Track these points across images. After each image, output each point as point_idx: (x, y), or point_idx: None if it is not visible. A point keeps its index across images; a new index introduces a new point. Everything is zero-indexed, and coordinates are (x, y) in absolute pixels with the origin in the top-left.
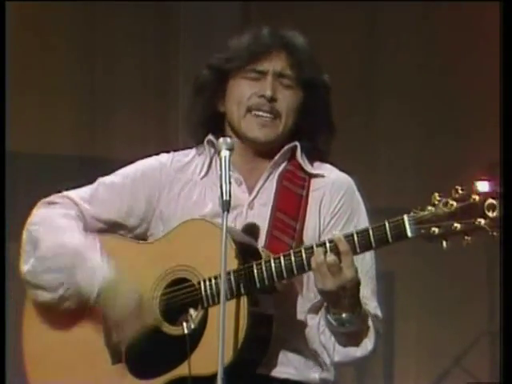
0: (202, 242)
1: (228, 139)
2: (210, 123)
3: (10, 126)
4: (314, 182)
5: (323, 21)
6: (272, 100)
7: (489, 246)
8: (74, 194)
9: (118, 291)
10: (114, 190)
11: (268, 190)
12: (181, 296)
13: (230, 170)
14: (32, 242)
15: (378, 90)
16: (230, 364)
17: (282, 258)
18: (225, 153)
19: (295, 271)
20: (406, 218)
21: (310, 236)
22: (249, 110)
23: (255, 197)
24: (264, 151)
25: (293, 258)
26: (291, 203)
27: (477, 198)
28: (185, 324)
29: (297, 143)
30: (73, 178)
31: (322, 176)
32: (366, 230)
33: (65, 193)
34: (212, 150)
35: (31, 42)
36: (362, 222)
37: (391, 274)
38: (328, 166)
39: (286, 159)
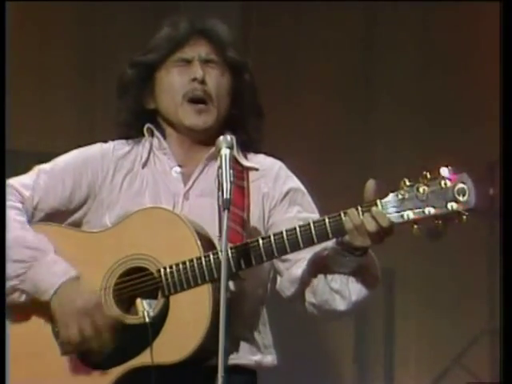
0: (160, 230)
1: (228, 137)
2: (141, 121)
3: (10, 124)
4: (251, 173)
5: (323, 20)
6: (203, 82)
7: (489, 244)
8: (16, 182)
9: (79, 290)
10: (56, 176)
11: (204, 181)
12: (138, 285)
13: (230, 167)
14: None
15: (376, 89)
16: (193, 352)
17: (239, 247)
18: (225, 151)
19: (253, 261)
20: (378, 202)
21: (255, 225)
22: (184, 97)
23: (190, 187)
24: (201, 139)
25: (251, 247)
26: (235, 194)
27: (448, 182)
28: (145, 312)
29: (232, 136)
30: None
31: (257, 169)
32: (340, 217)
33: (9, 181)
34: (150, 139)
35: (31, 42)
36: (306, 199)
37: (391, 272)
38: (261, 156)
39: None
